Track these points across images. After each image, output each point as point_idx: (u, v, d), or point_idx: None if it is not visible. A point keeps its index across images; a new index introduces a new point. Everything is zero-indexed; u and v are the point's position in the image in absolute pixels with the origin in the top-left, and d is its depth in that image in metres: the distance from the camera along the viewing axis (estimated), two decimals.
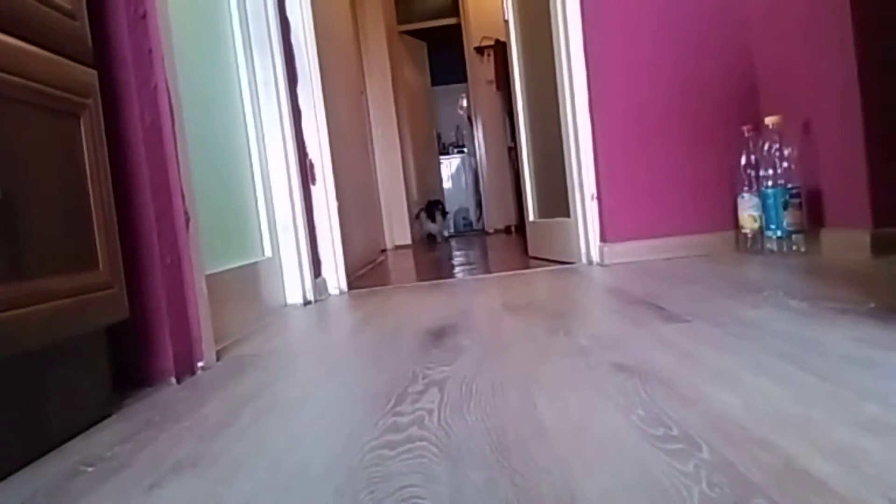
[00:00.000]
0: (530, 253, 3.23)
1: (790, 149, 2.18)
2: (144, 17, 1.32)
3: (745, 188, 2.32)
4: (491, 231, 6.44)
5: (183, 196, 1.39)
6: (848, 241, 1.99)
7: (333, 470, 0.75)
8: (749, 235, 2.34)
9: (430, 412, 0.91)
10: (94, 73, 1.11)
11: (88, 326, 1.04)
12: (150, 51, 1.33)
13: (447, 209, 6.43)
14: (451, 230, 6.79)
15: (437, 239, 6.10)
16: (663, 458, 0.66)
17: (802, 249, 2.17)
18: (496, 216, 6.49)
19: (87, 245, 1.05)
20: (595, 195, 2.53)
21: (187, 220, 1.40)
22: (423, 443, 0.79)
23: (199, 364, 1.38)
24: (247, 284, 1.94)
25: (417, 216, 6.23)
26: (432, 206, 6.12)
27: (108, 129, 1.15)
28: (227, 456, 0.84)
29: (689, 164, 2.49)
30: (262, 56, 2.23)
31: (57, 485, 0.80)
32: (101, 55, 1.20)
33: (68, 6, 1.05)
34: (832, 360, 0.94)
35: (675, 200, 2.50)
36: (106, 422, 1.06)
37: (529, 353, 1.23)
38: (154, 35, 1.34)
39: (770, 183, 2.21)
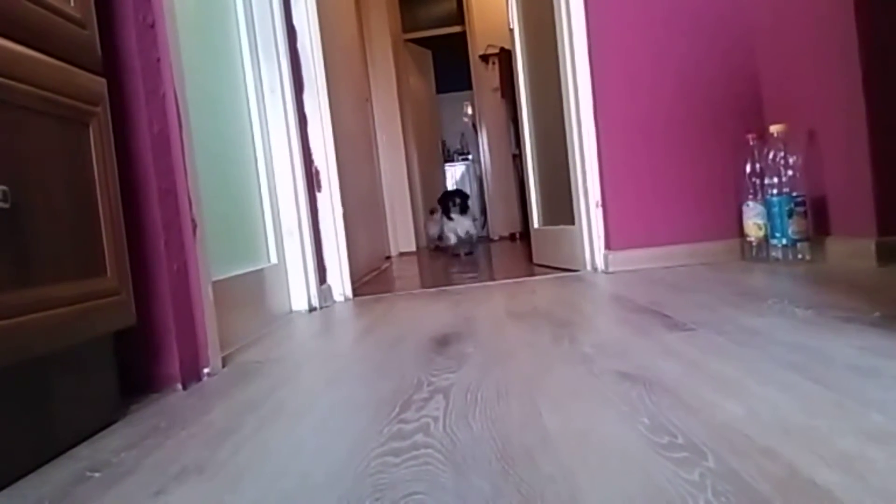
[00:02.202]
0: (535, 260, 3.23)
1: (795, 157, 2.18)
2: (153, 25, 1.33)
3: (750, 196, 2.32)
4: (495, 238, 6.44)
5: (190, 203, 1.40)
6: (853, 250, 1.99)
7: (338, 477, 0.75)
8: (754, 243, 2.34)
9: (435, 419, 0.91)
10: (103, 81, 1.12)
11: (96, 333, 1.05)
12: (159, 59, 1.34)
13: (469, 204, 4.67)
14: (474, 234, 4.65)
15: (459, 248, 4.48)
16: (668, 466, 0.67)
17: (807, 258, 2.16)
18: (500, 223, 6.49)
19: (95, 252, 1.05)
20: (600, 203, 2.53)
21: (194, 227, 1.40)
22: (429, 450, 0.79)
23: (205, 370, 1.38)
24: (252, 291, 1.94)
25: (433, 213, 4.97)
26: (447, 198, 4.63)
27: (117, 136, 1.16)
28: (233, 463, 0.84)
29: (694, 172, 2.49)
30: (268, 63, 2.24)
31: (64, 490, 0.81)
32: (110, 64, 1.21)
33: (78, 15, 1.07)
34: (837, 370, 0.94)
35: (680, 208, 2.50)
36: (112, 427, 1.07)
37: (534, 361, 1.23)
38: (162, 43, 1.36)
39: (775, 191, 2.21)
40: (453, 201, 4.52)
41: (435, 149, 7.28)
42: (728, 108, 2.48)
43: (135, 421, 1.10)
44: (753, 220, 2.32)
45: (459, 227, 4.54)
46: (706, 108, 2.48)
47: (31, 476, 0.87)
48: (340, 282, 2.59)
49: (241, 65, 2.15)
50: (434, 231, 4.67)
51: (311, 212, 2.42)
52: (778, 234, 2.21)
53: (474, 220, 4.64)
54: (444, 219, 4.60)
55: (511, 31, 3.21)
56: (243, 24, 2.17)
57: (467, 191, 4.95)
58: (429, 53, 7.23)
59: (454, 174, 7.95)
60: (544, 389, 1.02)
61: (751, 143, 2.30)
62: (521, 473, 0.70)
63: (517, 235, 6.19)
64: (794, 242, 2.18)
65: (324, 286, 2.46)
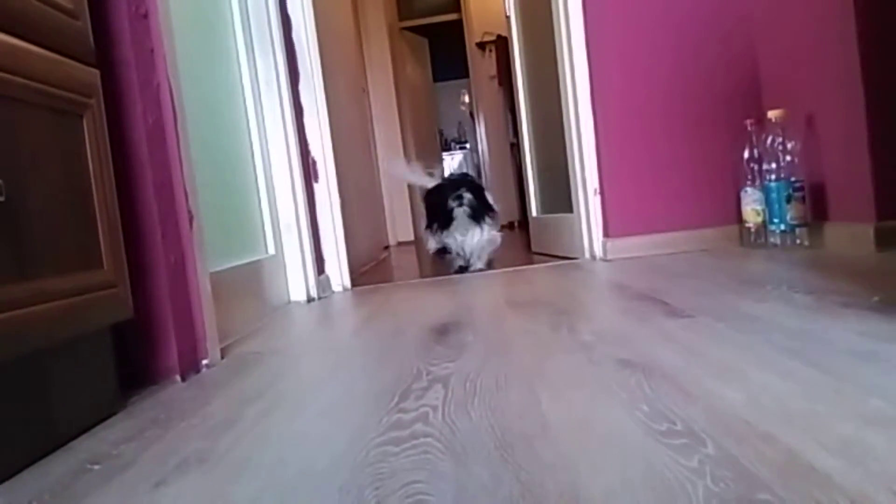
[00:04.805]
0: (533, 248, 3.23)
1: (793, 142, 2.18)
2: (146, 16, 1.32)
3: (749, 182, 2.32)
4: None
5: (186, 195, 1.39)
6: (851, 235, 1.99)
7: (338, 467, 0.75)
8: (752, 229, 2.34)
9: (434, 409, 0.91)
10: (97, 72, 1.11)
11: (93, 325, 1.05)
12: (153, 50, 1.33)
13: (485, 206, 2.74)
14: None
15: (455, 260, 2.74)
16: (667, 453, 0.67)
17: (806, 243, 2.16)
18: (498, 212, 6.48)
19: (91, 244, 1.05)
20: (598, 190, 2.53)
21: (191, 219, 1.40)
22: (428, 439, 0.79)
23: (204, 362, 1.38)
24: (250, 282, 1.94)
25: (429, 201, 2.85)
26: (441, 195, 2.71)
27: (111, 128, 1.15)
28: (233, 453, 0.84)
29: (692, 158, 2.49)
30: (263, 54, 2.23)
31: (64, 483, 0.81)
32: (104, 55, 1.20)
33: (70, 6, 1.06)
34: (836, 355, 0.94)
35: (678, 195, 2.49)
36: (112, 420, 1.06)
37: (533, 350, 1.23)
38: (156, 34, 1.34)
39: (773, 177, 2.21)
40: (458, 199, 2.64)
41: (432, 138, 7.27)
42: (726, 93, 2.47)
43: (134, 413, 1.10)
44: (752, 206, 2.32)
45: (470, 240, 2.67)
46: (704, 94, 2.48)
47: (30, 469, 0.87)
48: (339, 272, 2.59)
49: (236, 56, 2.14)
50: (434, 244, 2.80)
51: (309, 202, 2.41)
52: (776, 220, 2.21)
53: (491, 225, 2.73)
54: (442, 231, 2.70)
55: (508, 18, 3.19)
56: (238, 14, 2.16)
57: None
58: (425, 42, 7.20)
59: (452, 163, 7.94)
60: (543, 377, 1.02)
61: (749, 128, 2.30)
62: (520, 461, 0.70)
63: (515, 224, 6.19)
64: (792, 228, 2.18)
65: (322, 277, 2.46)
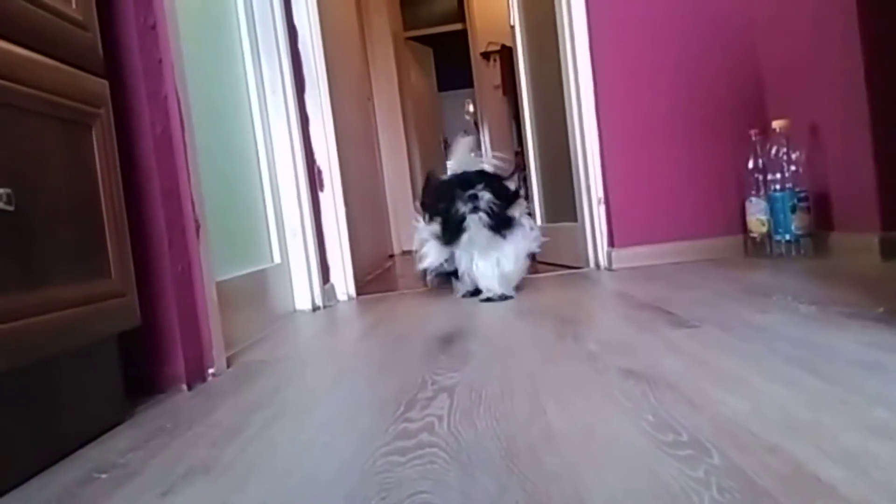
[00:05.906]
0: (538, 258, 3.23)
1: (798, 152, 2.18)
2: (154, 27, 1.33)
3: (753, 192, 2.32)
4: None
5: (193, 204, 1.40)
6: (857, 245, 1.98)
7: (344, 476, 0.75)
8: (757, 239, 2.33)
9: (439, 418, 0.91)
10: (106, 83, 1.12)
11: (100, 334, 1.05)
12: (160, 60, 1.34)
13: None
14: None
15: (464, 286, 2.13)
16: (673, 463, 0.67)
17: (811, 253, 2.16)
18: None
19: (99, 253, 1.06)
20: (602, 199, 2.53)
21: (197, 228, 1.40)
22: (434, 449, 0.80)
23: (210, 370, 1.39)
24: (256, 291, 1.95)
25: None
26: (444, 195, 2.00)
27: (119, 138, 1.16)
28: (239, 462, 0.85)
29: (697, 167, 2.49)
30: (269, 63, 2.24)
31: (70, 492, 0.81)
32: (112, 65, 1.21)
33: (79, 17, 1.07)
34: (841, 365, 0.94)
35: (683, 205, 2.49)
36: (118, 429, 1.07)
37: (538, 359, 1.23)
38: (164, 45, 1.36)
39: (778, 187, 2.21)
40: (473, 203, 1.92)
41: (437, 147, 7.27)
42: (730, 103, 2.47)
43: (140, 422, 1.10)
44: (756, 216, 2.32)
45: (489, 266, 2.01)
46: (708, 104, 2.48)
47: (37, 478, 0.87)
48: (344, 281, 2.59)
49: (242, 65, 2.15)
50: (433, 260, 2.14)
51: (314, 211, 2.42)
52: (781, 230, 2.21)
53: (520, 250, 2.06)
54: (442, 246, 2.07)
55: (512, 27, 3.21)
56: (244, 24, 2.17)
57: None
58: (430, 51, 7.23)
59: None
60: (548, 387, 1.02)
61: (753, 138, 2.30)
62: (525, 471, 0.70)
63: None
64: (797, 238, 2.18)
65: (327, 285, 2.46)
